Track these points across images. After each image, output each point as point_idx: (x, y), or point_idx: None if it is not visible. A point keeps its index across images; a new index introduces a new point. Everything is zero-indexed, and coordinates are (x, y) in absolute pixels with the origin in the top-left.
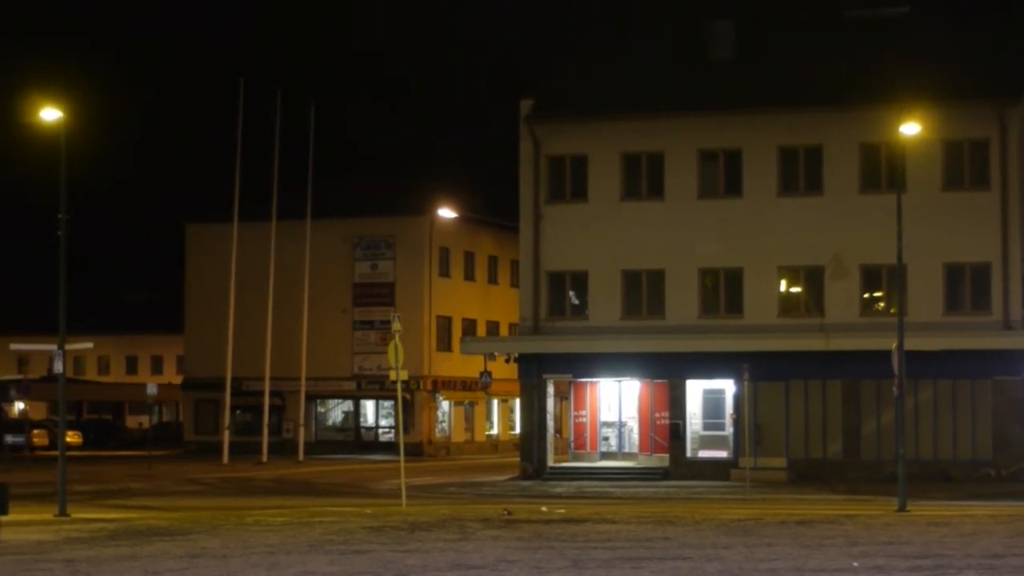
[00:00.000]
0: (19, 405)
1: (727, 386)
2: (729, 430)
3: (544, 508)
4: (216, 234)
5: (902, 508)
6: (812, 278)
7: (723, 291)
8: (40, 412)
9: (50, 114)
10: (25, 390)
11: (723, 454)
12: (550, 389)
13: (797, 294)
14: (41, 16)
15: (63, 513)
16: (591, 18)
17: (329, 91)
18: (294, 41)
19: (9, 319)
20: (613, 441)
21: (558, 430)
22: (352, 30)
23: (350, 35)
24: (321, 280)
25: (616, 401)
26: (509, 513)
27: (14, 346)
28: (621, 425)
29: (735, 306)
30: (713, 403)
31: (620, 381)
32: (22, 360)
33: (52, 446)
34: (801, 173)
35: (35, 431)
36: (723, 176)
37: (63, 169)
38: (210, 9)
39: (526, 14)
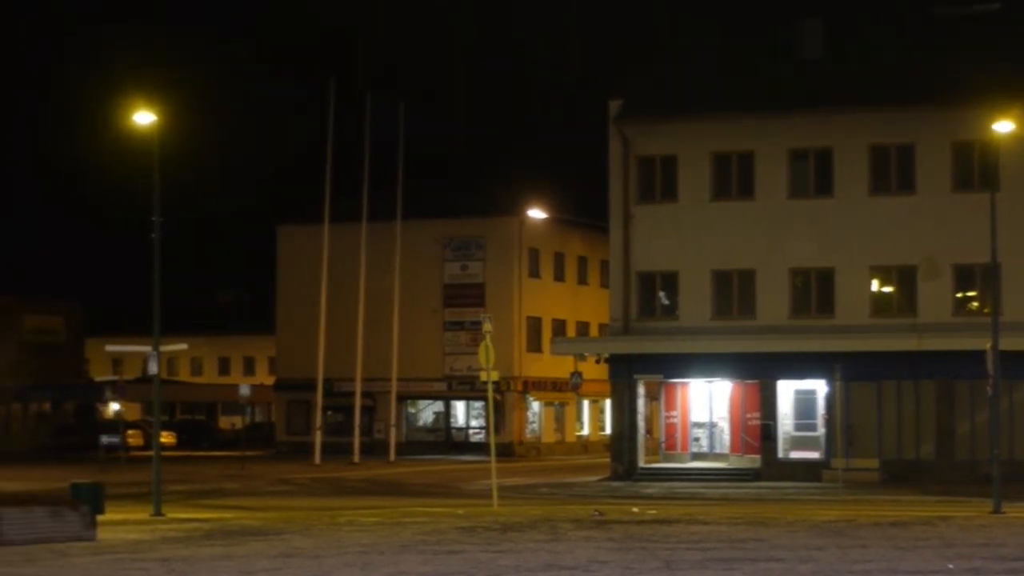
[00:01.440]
0: (114, 406)
1: (819, 386)
2: (821, 431)
3: (635, 509)
4: (307, 235)
5: (997, 510)
6: (904, 278)
7: (814, 291)
8: (134, 413)
9: (144, 118)
10: (120, 391)
11: (815, 455)
12: (641, 390)
13: (889, 294)
14: (131, 15)
15: (158, 513)
16: (679, 17)
17: (415, 91)
18: (383, 41)
19: (104, 321)
20: (704, 442)
21: (649, 431)
22: (430, 28)
23: (428, 33)
24: (411, 281)
25: (707, 401)
26: (600, 514)
27: (109, 347)
28: (712, 426)
29: (826, 306)
30: (805, 403)
31: (711, 381)
32: (117, 361)
33: (147, 446)
34: (893, 172)
35: (130, 431)
36: (814, 175)
37: (156, 173)
38: (297, 10)
39: (614, 12)
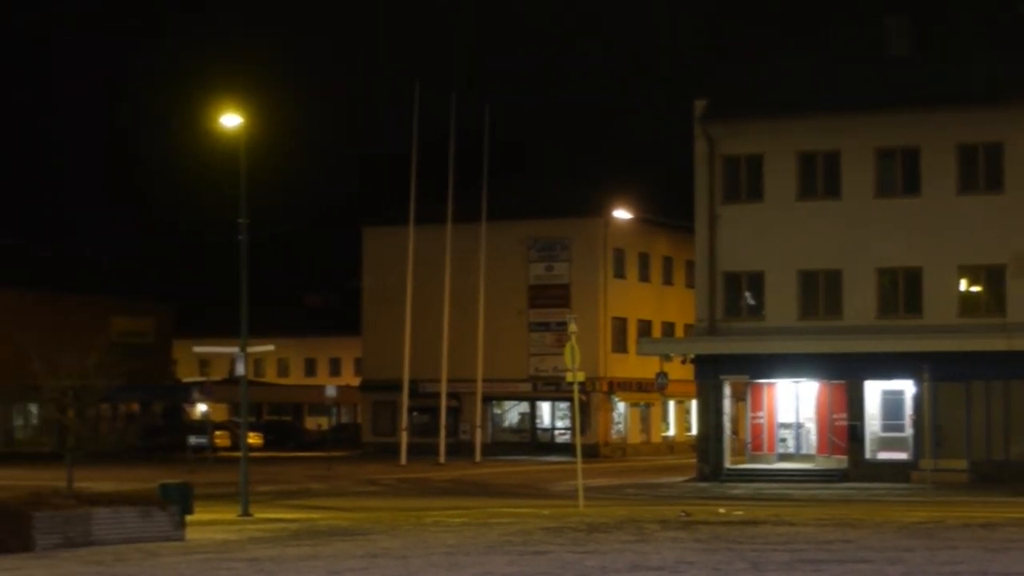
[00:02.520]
0: (201, 407)
1: (906, 387)
2: (909, 431)
3: (722, 510)
4: (393, 236)
5: None
6: (993, 277)
7: (902, 291)
8: (221, 414)
9: (230, 120)
10: (207, 392)
11: (902, 456)
12: (726, 390)
13: (978, 293)
14: (216, 16)
15: (246, 513)
16: (765, 15)
17: (501, 91)
18: (466, 42)
19: (191, 322)
20: (790, 442)
21: (735, 431)
22: (514, 25)
23: (512, 31)
24: (496, 282)
25: (793, 402)
26: (687, 514)
27: (197, 348)
28: (798, 426)
29: (914, 306)
30: (892, 404)
31: (797, 382)
32: (204, 362)
33: (234, 447)
34: (981, 170)
35: (217, 432)
36: (901, 174)
37: (243, 175)
38: (383, 11)
39: (700, 9)
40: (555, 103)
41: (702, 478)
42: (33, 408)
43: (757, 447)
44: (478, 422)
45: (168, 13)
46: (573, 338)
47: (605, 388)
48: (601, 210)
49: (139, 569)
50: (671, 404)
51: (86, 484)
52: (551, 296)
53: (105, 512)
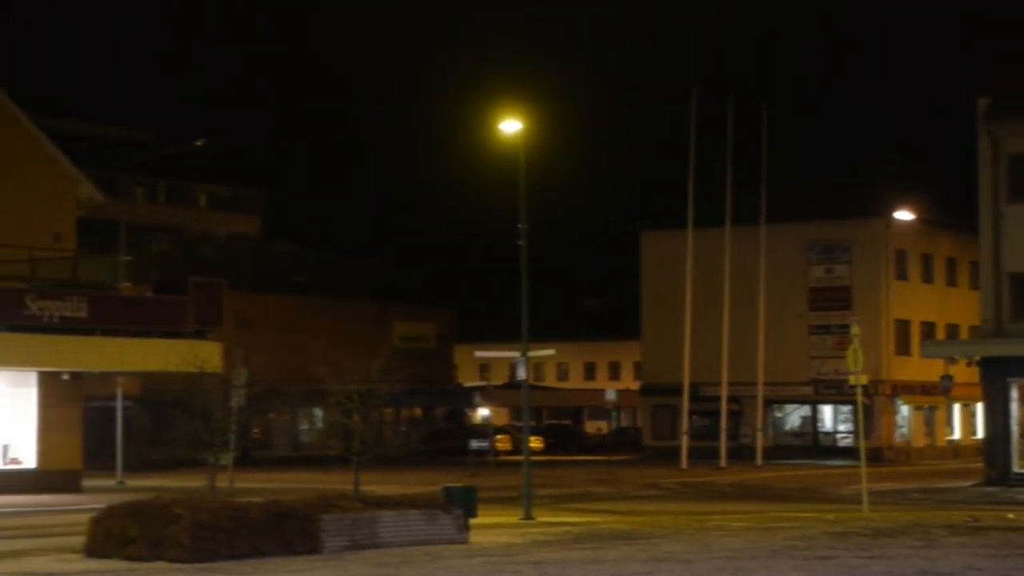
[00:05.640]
0: (483, 411)
1: None
2: None
3: (1011, 515)
4: (671, 240)
5: None
6: None
7: None
8: (502, 418)
9: (510, 126)
10: (489, 396)
11: None
12: (1014, 393)
13: None
14: (493, 28)
15: (528, 516)
16: None
17: (778, 91)
18: (742, 44)
19: (472, 328)
20: None
21: (1023, 435)
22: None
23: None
24: (776, 284)
25: None
26: (975, 519)
27: (478, 353)
28: None
29: None
30: None
31: None
32: (484, 367)
33: (515, 451)
34: None
35: (498, 436)
36: None
37: (523, 180)
38: (661, 17)
39: (984, 7)
40: (832, 102)
41: (989, 482)
42: (318, 412)
43: None
44: (759, 425)
45: (448, 15)
46: (856, 341)
47: (888, 391)
48: (882, 211)
49: (425, 571)
50: (956, 407)
51: (371, 487)
52: (832, 298)
53: (391, 515)
